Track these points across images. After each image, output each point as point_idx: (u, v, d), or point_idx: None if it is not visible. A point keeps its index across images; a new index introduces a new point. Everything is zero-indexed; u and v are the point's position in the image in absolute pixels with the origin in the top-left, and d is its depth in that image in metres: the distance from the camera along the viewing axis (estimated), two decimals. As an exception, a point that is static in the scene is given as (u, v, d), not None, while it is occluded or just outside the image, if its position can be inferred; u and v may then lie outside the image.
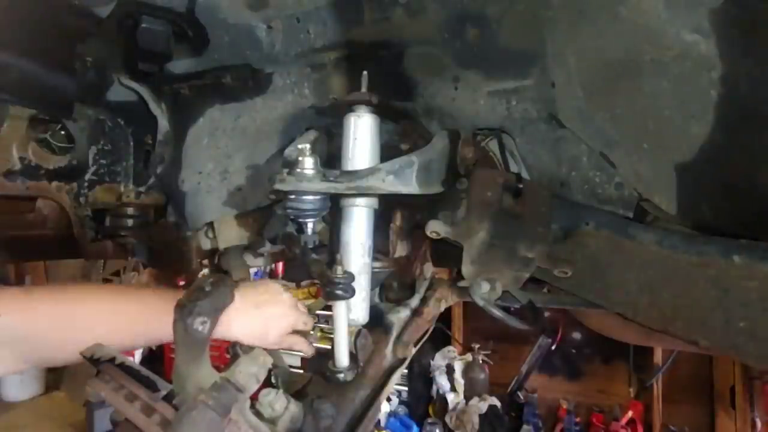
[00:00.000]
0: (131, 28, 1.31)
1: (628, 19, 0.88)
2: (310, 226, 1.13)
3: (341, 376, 1.13)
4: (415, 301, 1.33)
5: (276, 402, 1.03)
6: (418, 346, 1.35)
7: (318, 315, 4.68)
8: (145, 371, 0.93)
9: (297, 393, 1.16)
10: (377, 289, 1.39)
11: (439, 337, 4.73)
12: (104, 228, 1.61)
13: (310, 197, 1.09)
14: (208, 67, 1.49)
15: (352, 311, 1.14)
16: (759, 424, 3.60)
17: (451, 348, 4.75)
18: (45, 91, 1.24)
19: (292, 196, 1.08)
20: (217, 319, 0.92)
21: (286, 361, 1.29)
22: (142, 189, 1.64)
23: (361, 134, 1.13)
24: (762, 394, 3.63)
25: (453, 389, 4.47)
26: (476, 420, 4.16)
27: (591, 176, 1.17)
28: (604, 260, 1.11)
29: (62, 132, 1.51)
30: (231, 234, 1.59)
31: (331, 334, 1.16)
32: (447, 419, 4.32)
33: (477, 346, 4.63)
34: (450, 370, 4.53)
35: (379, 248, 1.27)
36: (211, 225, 1.60)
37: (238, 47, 1.39)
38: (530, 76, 1.17)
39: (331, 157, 1.29)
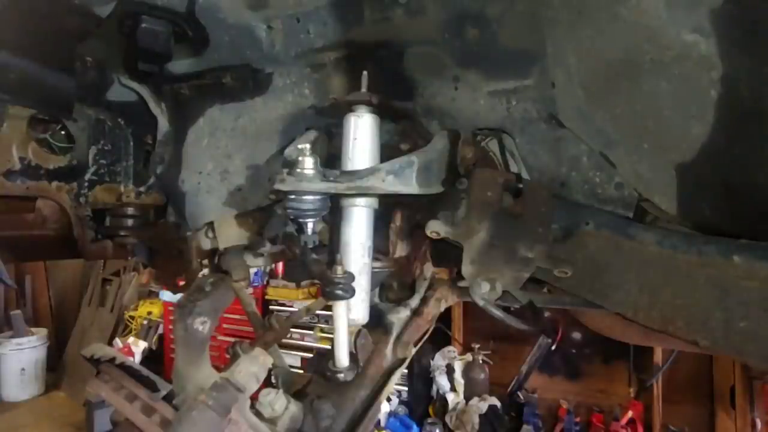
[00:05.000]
0: (131, 28, 1.31)
1: (628, 19, 0.88)
2: (310, 226, 1.13)
3: (341, 376, 1.13)
4: (415, 301, 1.33)
5: (276, 402, 1.03)
6: (418, 346, 1.35)
7: (318, 315, 4.69)
8: (145, 371, 0.93)
9: (297, 393, 1.17)
10: (377, 289, 1.39)
11: (439, 337, 4.73)
12: (104, 228, 1.61)
13: (310, 197, 1.09)
14: (208, 67, 1.49)
15: (352, 311, 1.14)
16: (759, 424, 3.61)
17: (451, 348, 4.75)
18: (45, 91, 1.24)
19: (292, 196, 1.08)
20: (217, 319, 0.93)
21: (286, 361, 1.30)
22: (142, 189, 1.64)
23: (361, 134, 1.13)
24: (762, 394, 3.63)
25: (453, 389, 4.47)
26: (476, 420, 4.16)
27: (591, 176, 1.17)
28: (604, 260, 1.11)
29: (62, 132, 1.51)
30: (231, 234, 1.59)
31: (331, 334, 1.16)
32: (447, 419, 4.33)
33: (477, 346, 4.63)
34: (450, 370, 4.54)
35: (379, 248, 1.27)
36: (211, 225, 1.60)
37: (238, 47, 1.39)
38: (530, 76, 1.17)
39: (331, 157, 1.29)
